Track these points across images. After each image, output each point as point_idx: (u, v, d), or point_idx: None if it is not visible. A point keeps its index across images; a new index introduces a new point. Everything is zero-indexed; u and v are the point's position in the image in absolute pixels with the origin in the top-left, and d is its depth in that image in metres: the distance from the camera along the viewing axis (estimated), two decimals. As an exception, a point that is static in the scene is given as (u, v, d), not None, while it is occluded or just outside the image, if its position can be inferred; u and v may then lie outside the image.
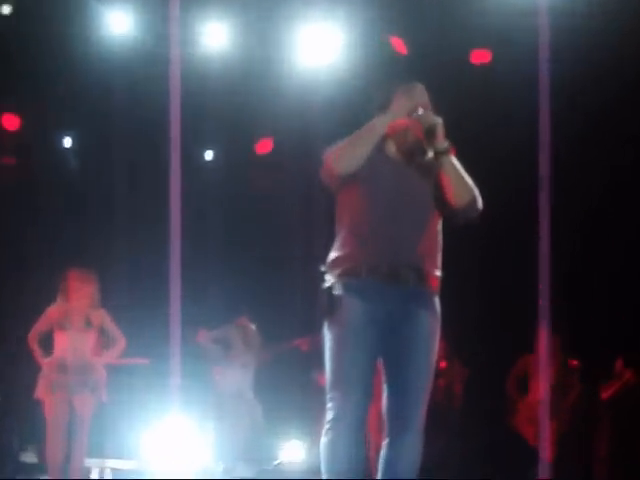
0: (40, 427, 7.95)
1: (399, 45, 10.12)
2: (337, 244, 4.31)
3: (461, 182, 4.26)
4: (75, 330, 7.74)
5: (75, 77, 9.70)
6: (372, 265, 4.19)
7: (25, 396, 8.32)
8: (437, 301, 4.30)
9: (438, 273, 4.31)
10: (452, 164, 4.24)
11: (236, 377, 8.78)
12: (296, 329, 9.59)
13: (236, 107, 10.42)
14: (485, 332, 10.42)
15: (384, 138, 4.31)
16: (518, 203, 10.33)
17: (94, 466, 9.19)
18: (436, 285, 4.30)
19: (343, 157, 4.21)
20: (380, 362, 4.29)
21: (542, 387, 9.43)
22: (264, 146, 11.74)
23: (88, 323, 7.80)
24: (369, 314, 4.18)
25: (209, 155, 12.33)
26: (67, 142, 11.40)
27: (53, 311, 7.79)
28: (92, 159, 11.24)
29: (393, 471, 4.20)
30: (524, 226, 10.08)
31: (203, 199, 11.15)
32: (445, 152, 4.21)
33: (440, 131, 4.17)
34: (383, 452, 4.23)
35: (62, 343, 7.73)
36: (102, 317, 7.87)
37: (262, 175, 11.75)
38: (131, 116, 10.27)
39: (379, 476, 4.23)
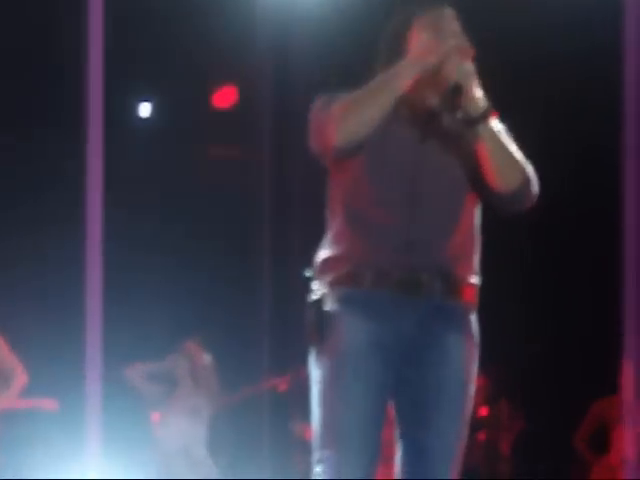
0: None
1: None
2: (330, 240, 4.15)
3: (507, 157, 4.07)
4: None
5: None
6: (380, 269, 4.03)
7: None
8: (474, 320, 4.17)
9: (475, 281, 4.18)
10: (493, 133, 4.03)
11: (182, 427, 8.83)
12: (269, 363, 9.62)
13: (184, 43, 10.56)
14: (545, 366, 10.67)
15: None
16: (595, 189, 10.49)
17: None
18: (473, 297, 4.17)
19: (348, 121, 4.00)
20: (392, 407, 4.13)
21: (627, 442, 9.48)
22: (224, 97, 11.85)
23: None
24: (375, 338, 4.01)
25: (145, 110, 12.38)
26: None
27: None
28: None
29: None
30: (601, 224, 10.26)
31: (135, 175, 11.32)
32: (482, 118, 4.00)
33: (473, 89, 3.97)
34: None
35: None
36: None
37: (221, 140, 11.84)
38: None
39: None
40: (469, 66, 3.96)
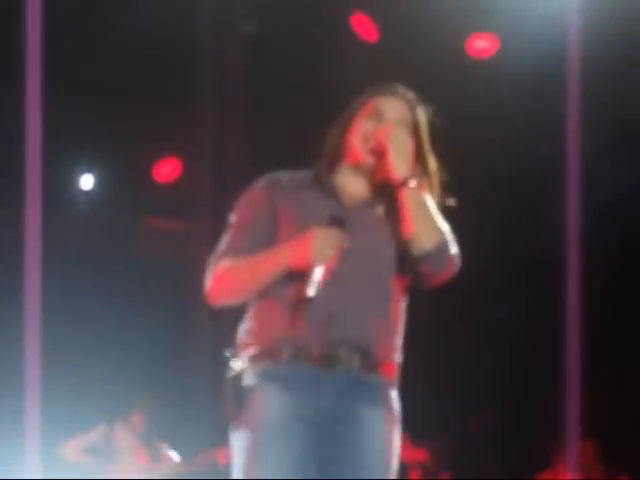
0: None
1: (365, 27, 10.24)
2: (250, 315, 4.17)
3: (427, 220, 4.14)
4: None
5: None
6: (299, 344, 4.03)
7: None
8: (395, 395, 4.16)
9: (396, 358, 4.19)
10: (417, 199, 4.11)
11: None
12: (212, 434, 9.52)
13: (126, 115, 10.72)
14: (486, 438, 10.73)
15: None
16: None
17: None
18: (393, 374, 4.17)
19: (222, 292, 4.20)
20: None
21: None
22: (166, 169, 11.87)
23: None
24: (295, 410, 4.00)
25: (87, 182, 12.26)
26: None
27: None
28: None
29: None
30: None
31: (75, 249, 11.31)
32: (403, 184, 4.08)
33: (395, 155, 4.06)
34: None
35: None
36: None
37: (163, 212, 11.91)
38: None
39: None
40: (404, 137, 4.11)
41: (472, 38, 10.65)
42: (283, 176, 4.31)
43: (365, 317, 4.07)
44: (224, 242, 4.21)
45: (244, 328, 4.16)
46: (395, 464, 4.09)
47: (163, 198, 12.09)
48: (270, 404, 4.01)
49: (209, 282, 4.17)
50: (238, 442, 4.05)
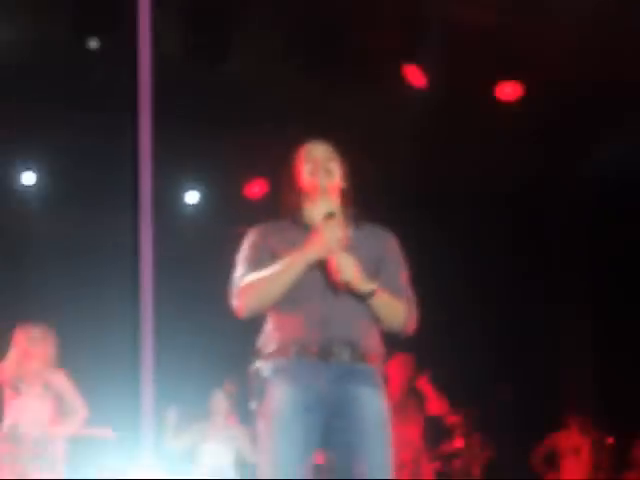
0: None
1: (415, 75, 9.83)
2: (267, 325, 4.38)
3: (390, 315, 4.35)
4: (31, 395, 7.78)
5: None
6: (301, 343, 4.22)
7: None
8: (381, 378, 4.36)
9: (379, 349, 4.40)
10: (378, 303, 4.30)
11: (219, 453, 8.72)
12: None
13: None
14: (511, 405, 10.57)
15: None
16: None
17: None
18: (377, 361, 4.37)
19: (250, 304, 4.33)
20: (326, 459, 4.38)
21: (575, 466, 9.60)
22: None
23: (46, 387, 7.82)
24: (300, 399, 4.18)
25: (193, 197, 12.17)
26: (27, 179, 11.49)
27: (4, 369, 7.83)
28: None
29: None
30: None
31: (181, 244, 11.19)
32: (368, 296, 4.26)
33: (357, 282, 4.21)
34: None
35: (16, 410, 7.77)
36: (61, 381, 7.93)
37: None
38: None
39: None
40: (350, 269, 4.16)
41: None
42: (268, 225, 4.51)
43: (351, 320, 4.28)
44: (239, 273, 4.42)
45: (263, 336, 4.38)
46: (389, 427, 4.25)
47: (253, 212, 11.93)
48: (281, 395, 4.19)
49: (235, 300, 4.36)
50: (260, 426, 4.26)
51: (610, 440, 9.96)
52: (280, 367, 4.23)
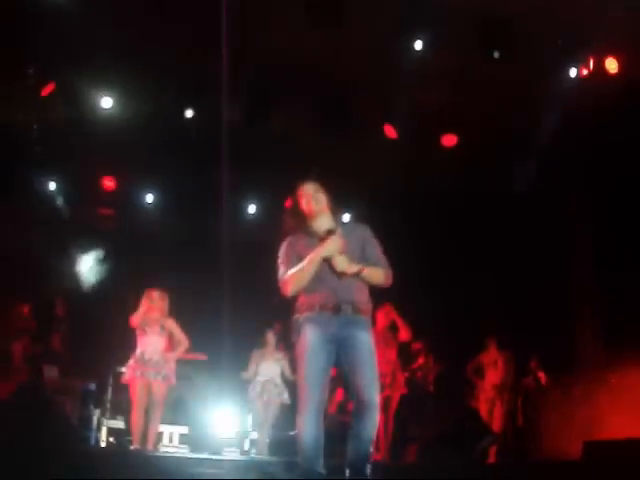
0: (127, 403, 7.97)
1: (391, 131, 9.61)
2: (299, 297, 4.54)
3: (375, 280, 4.56)
4: (152, 333, 7.83)
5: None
6: (322, 303, 4.45)
7: (115, 381, 8.42)
8: (369, 323, 4.55)
9: (369, 306, 4.58)
10: (365, 275, 4.51)
11: (270, 369, 8.57)
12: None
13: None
14: (453, 337, 10.35)
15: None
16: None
17: (166, 431, 9.23)
18: (368, 313, 4.56)
19: (293, 285, 4.48)
20: (338, 369, 4.50)
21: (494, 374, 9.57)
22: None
23: (162, 328, 7.87)
24: (322, 337, 4.40)
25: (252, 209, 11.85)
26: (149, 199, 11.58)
27: (136, 319, 7.83)
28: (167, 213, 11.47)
29: (360, 438, 4.33)
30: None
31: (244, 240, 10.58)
32: (358, 273, 4.48)
33: (349, 270, 4.44)
34: (352, 427, 4.36)
35: (143, 343, 7.82)
36: (172, 324, 7.94)
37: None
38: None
39: (350, 444, 4.36)
40: (343, 264, 4.43)
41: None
42: (294, 238, 4.62)
43: (351, 289, 4.51)
44: (281, 270, 4.55)
45: (297, 302, 4.54)
46: (375, 355, 4.45)
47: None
48: (311, 334, 4.43)
49: (283, 286, 4.50)
50: (298, 353, 4.47)
51: (513, 355, 9.73)
52: (310, 318, 4.45)
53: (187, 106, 9.58)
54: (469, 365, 9.89)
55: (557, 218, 10.20)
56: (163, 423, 8.38)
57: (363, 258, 4.58)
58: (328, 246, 4.46)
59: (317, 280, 4.48)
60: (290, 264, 4.53)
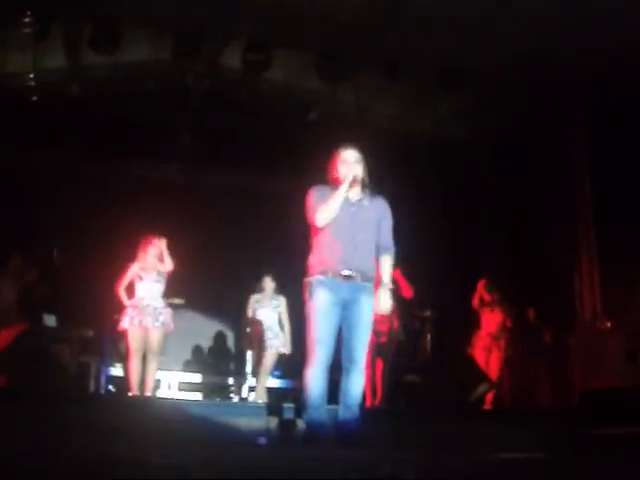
0: (125, 350, 7.97)
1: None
2: (313, 256, 4.88)
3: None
4: (149, 280, 7.87)
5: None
6: (333, 270, 4.78)
7: (113, 328, 8.34)
8: (373, 288, 4.88)
9: (375, 274, 4.92)
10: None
11: (268, 316, 8.55)
12: None
13: None
14: (450, 284, 10.42)
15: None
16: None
17: (163, 379, 9.41)
18: (373, 279, 4.90)
19: (324, 216, 4.81)
20: (341, 328, 4.82)
21: (489, 324, 9.58)
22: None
23: (159, 274, 7.89)
24: (333, 299, 4.75)
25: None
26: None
27: (134, 267, 7.91)
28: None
29: (349, 394, 4.76)
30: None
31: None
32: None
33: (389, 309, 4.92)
34: (342, 383, 4.77)
35: (140, 290, 7.86)
36: (163, 247, 7.92)
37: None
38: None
39: (341, 398, 4.77)
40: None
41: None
42: (320, 188, 4.95)
43: (361, 256, 4.85)
44: (316, 210, 4.85)
45: (311, 260, 4.88)
46: (372, 319, 4.89)
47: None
48: (323, 297, 4.77)
49: (316, 218, 4.82)
50: (310, 313, 4.78)
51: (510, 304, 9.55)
52: (322, 282, 4.78)
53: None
54: (474, 296, 9.65)
55: (554, 156, 10.01)
56: (162, 370, 8.43)
57: (377, 230, 4.94)
58: (347, 180, 4.85)
59: (331, 245, 4.81)
60: (320, 204, 4.85)
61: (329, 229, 4.85)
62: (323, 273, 4.77)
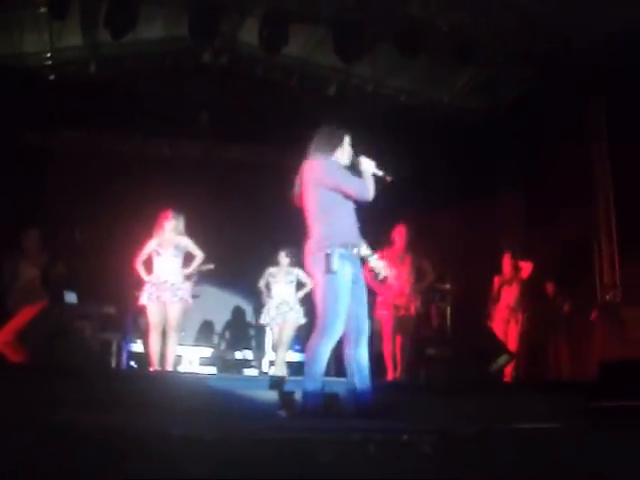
0: (145, 326, 8.00)
1: None
2: (326, 227, 4.77)
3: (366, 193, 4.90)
4: (167, 256, 7.85)
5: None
6: (353, 243, 4.79)
7: (133, 304, 8.44)
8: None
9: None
10: None
11: (283, 290, 8.59)
12: None
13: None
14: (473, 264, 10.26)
15: None
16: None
17: (184, 354, 9.47)
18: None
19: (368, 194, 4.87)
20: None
21: (508, 296, 9.54)
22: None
23: (177, 248, 7.87)
24: (351, 275, 4.75)
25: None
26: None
27: (151, 242, 7.90)
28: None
29: (361, 365, 4.76)
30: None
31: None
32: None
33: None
34: (354, 354, 4.76)
35: (158, 266, 7.86)
36: (187, 241, 7.95)
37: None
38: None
39: (354, 370, 4.74)
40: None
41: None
42: (332, 161, 4.92)
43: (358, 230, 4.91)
44: (346, 181, 4.85)
45: (324, 231, 4.77)
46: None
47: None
48: (346, 270, 4.73)
49: (367, 192, 4.85)
50: (327, 282, 4.71)
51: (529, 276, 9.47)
52: (344, 255, 4.70)
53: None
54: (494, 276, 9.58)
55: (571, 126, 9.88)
56: (182, 345, 8.46)
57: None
58: None
59: (349, 217, 4.83)
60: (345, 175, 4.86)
61: (349, 202, 4.83)
62: (343, 246, 4.72)
